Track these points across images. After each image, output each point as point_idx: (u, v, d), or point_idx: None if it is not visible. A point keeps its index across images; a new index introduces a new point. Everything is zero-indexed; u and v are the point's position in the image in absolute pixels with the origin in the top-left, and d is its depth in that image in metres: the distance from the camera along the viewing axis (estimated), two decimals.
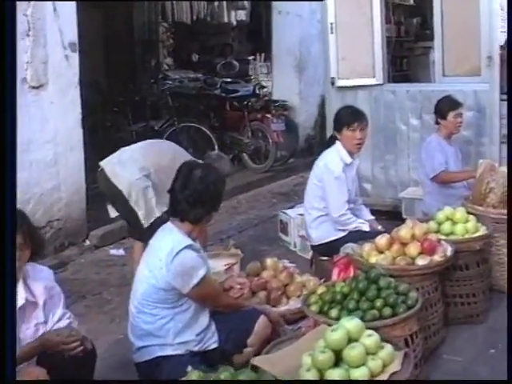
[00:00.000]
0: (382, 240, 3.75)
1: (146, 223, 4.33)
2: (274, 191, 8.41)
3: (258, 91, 9.48)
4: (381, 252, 3.76)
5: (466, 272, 4.06)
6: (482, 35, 6.03)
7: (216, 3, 13.72)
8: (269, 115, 8.60)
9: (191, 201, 3.11)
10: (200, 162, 3.65)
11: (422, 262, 3.59)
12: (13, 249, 2.21)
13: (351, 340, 2.59)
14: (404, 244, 3.69)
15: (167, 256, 3.02)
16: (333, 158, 4.41)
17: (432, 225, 4.19)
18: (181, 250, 3.03)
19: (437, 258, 3.66)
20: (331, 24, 6.59)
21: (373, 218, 4.72)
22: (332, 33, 6.60)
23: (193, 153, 8.86)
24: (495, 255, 4.57)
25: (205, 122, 9.11)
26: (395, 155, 6.62)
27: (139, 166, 4.40)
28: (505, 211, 4.49)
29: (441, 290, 3.83)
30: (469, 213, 4.49)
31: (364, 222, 4.41)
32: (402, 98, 6.53)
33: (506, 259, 4.51)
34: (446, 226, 4.15)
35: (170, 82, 10.11)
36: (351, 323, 2.65)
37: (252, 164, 8.99)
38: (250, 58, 13.35)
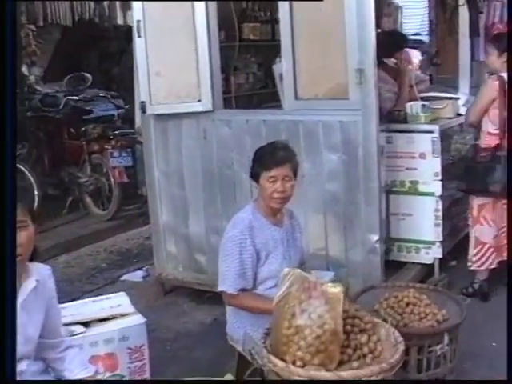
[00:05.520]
0: None
1: None
2: (113, 247, 6.25)
3: None
4: None
5: None
6: (348, 38, 3.94)
7: (106, 2, 11.58)
8: (108, 146, 6.45)
9: None
10: None
11: None
12: (13, 245, 2.13)
13: None
14: None
15: None
16: None
17: None
18: None
19: None
20: (138, 22, 4.46)
21: (89, 373, 2.60)
22: (140, 36, 4.47)
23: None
24: None
25: (41, 153, 7.00)
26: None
27: None
28: (324, 374, 2.38)
29: None
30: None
31: None
32: (241, 131, 4.40)
33: None
34: None
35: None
36: None
37: (95, 209, 6.84)
38: None
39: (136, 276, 5.35)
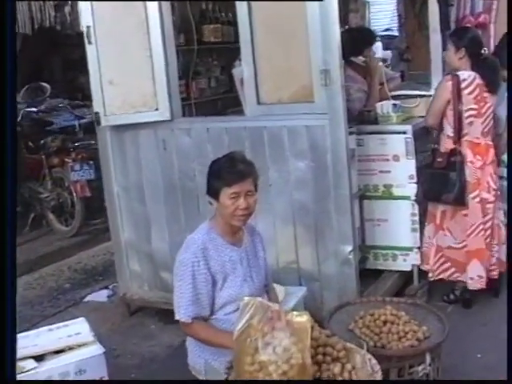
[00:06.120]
0: None
1: None
2: (77, 265, 5.94)
3: None
4: None
5: None
6: (312, 37, 3.68)
7: (67, 9, 11.23)
8: (69, 159, 6.16)
9: None
10: None
11: None
12: (13, 246, 2.06)
13: None
14: None
15: None
16: None
17: None
18: None
19: None
20: (88, 28, 4.17)
21: None
22: (90, 43, 4.18)
23: None
24: None
25: None
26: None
27: None
28: None
29: None
30: None
31: None
32: (202, 140, 4.13)
33: None
34: None
35: None
36: None
37: (58, 225, 6.53)
38: None
39: (101, 296, 5.06)
